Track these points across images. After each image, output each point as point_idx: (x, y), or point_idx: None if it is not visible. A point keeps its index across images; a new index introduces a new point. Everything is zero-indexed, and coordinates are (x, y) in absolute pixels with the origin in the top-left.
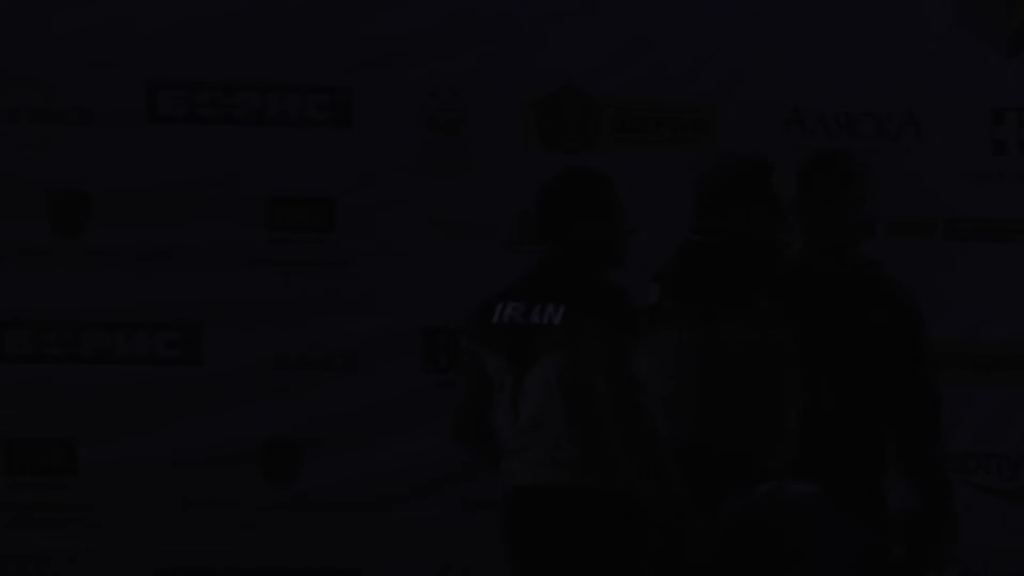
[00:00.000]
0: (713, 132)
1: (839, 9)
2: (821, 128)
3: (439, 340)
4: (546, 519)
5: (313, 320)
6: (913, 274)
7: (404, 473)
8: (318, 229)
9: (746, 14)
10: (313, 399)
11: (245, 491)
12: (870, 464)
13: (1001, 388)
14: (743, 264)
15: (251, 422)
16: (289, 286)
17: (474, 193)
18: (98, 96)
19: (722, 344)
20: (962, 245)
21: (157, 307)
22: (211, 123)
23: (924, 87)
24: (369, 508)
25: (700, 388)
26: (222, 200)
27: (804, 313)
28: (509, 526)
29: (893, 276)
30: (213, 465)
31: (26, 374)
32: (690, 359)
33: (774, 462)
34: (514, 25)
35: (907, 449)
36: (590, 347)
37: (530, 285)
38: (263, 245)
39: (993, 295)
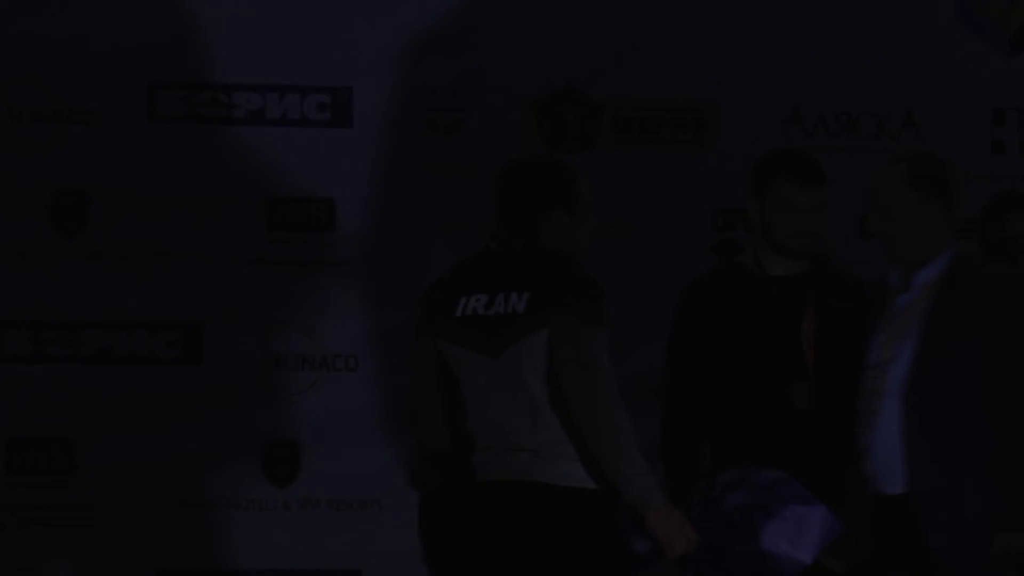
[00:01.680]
0: (713, 132)
1: (839, 9)
2: (821, 128)
3: None
4: (513, 514)
5: (313, 320)
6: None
7: (404, 473)
8: (318, 229)
9: (746, 14)
10: (313, 399)
11: (245, 491)
12: (845, 461)
13: None
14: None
15: (251, 422)
16: (289, 286)
17: (474, 193)
18: (98, 96)
19: None
20: (962, 245)
21: (157, 307)
22: (211, 123)
23: (924, 87)
24: (369, 508)
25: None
26: (222, 200)
27: (763, 315)
28: (473, 520)
29: (846, 270)
30: (213, 465)
31: (26, 374)
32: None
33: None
34: (514, 25)
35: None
36: (557, 336)
37: (489, 277)
38: (263, 245)
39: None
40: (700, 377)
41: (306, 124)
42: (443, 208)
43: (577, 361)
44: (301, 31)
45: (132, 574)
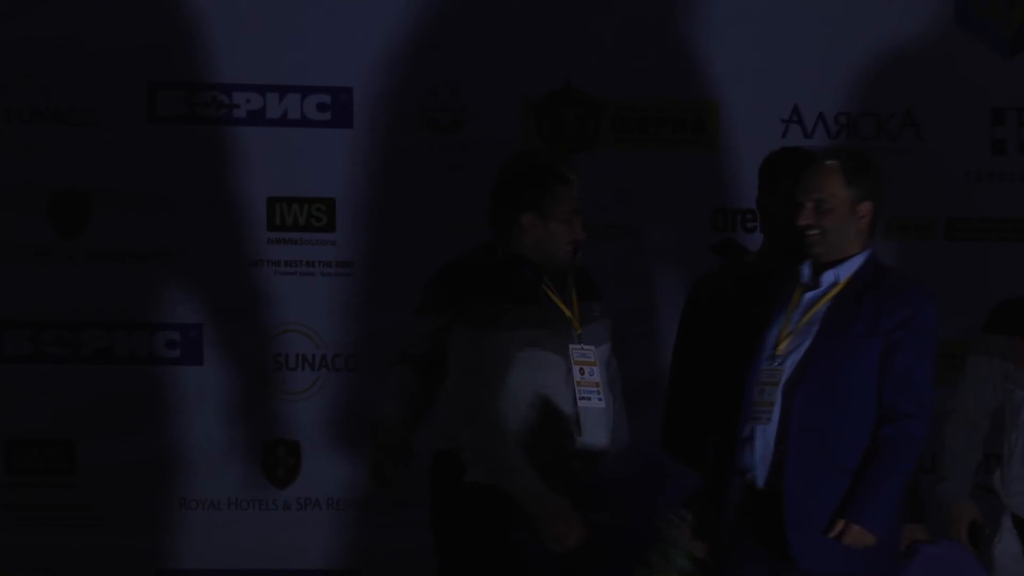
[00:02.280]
0: (713, 132)
1: (839, 9)
2: (821, 128)
3: None
4: (431, 514)
5: (313, 320)
6: (913, 274)
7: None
8: (318, 229)
9: (746, 14)
10: (313, 399)
11: (245, 491)
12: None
13: None
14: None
15: (251, 422)
16: (289, 286)
17: (474, 193)
18: (98, 96)
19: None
20: (962, 245)
21: (157, 307)
22: (211, 123)
23: (924, 87)
24: (369, 508)
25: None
26: (222, 200)
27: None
28: None
29: None
30: (213, 465)
31: (26, 374)
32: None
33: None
34: (514, 25)
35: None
36: (450, 344)
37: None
38: (263, 245)
39: (993, 295)
40: (704, 374)
41: (306, 124)
42: (443, 208)
43: (455, 369)
44: (301, 31)
45: (132, 574)
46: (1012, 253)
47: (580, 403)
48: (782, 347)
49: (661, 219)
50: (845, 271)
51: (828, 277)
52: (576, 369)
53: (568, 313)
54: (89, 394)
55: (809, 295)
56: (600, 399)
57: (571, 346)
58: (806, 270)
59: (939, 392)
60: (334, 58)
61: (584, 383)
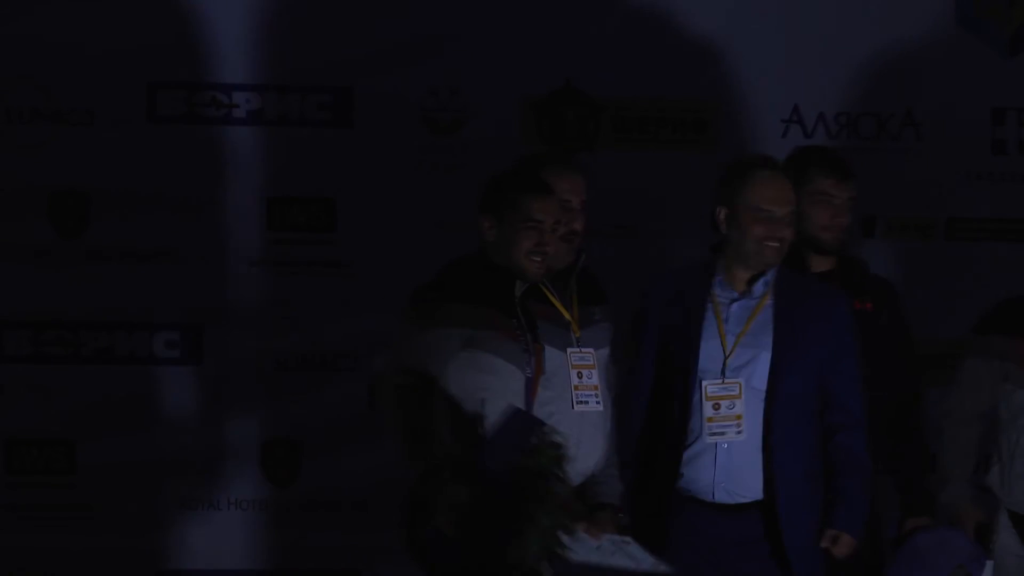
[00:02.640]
0: (713, 132)
1: (839, 9)
2: (821, 128)
3: None
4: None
5: (313, 320)
6: (913, 274)
7: (404, 473)
8: (318, 229)
9: (746, 14)
10: (313, 399)
11: (245, 491)
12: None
13: None
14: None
15: (251, 422)
16: (289, 286)
17: (474, 193)
18: (98, 97)
19: None
20: (962, 245)
21: (157, 307)
22: (211, 123)
23: (924, 87)
24: (369, 508)
25: None
26: (222, 200)
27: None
28: None
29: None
30: (213, 465)
31: (26, 374)
32: None
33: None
34: (514, 25)
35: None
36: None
37: None
38: (263, 245)
39: (993, 295)
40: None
41: (306, 124)
42: (443, 208)
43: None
44: (301, 31)
45: (132, 574)
46: (1012, 253)
47: (577, 407)
48: (729, 361)
49: (661, 219)
50: (768, 277)
51: (760, 287)
52: (574, 373)
53: (567, 316)
54: (89, 394)
55: (737, 305)
56: (598, 402)
57: (569, 349)
58: (720, 280)
59: (934, 393)
60: (334, 58)
61: (581, 387)
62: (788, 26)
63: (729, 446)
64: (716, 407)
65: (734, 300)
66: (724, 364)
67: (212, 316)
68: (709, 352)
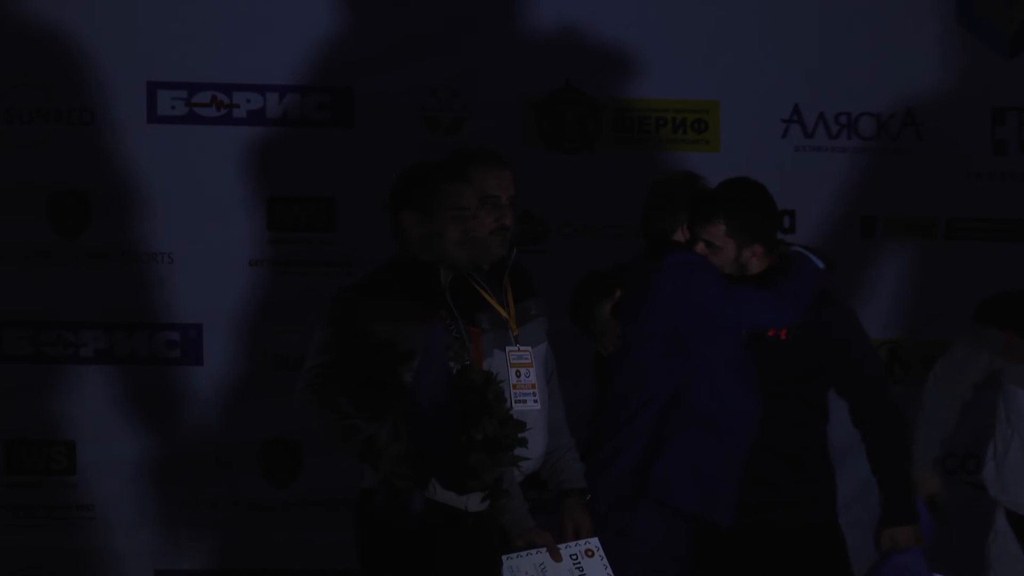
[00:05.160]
0: (713, 132)
1: (839, 9)
2: (821, 128)
3: None
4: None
5: (313, 320)
6: (913, 274)
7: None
8: (318, 229)
9: (746, 14)
10: None
11: (245, 491)
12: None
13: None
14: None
15: (251, 422)
16: (289, 286)
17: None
18: (98, 96)
19: None
20: (962, 245)
21: (157, 307)
22: (211, 123)
23: (924, 87)
24: None
25: None
26: (222, 200)
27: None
28: None
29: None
30: (213, 465)
31: (26, 374)
32: None
33: None
34: (514, 25)
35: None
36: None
37: None
38: (263, 245)
39: None
40: None
41: (306, 124)
42: None
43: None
44: (301, 31)
45: (132, 574)
46: (1012, 253)
47: (516, 406)
48: None
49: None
50: None
51: None
52: (512, 372)
53: (504, 314)
54: (89, 394)
55: None
56: (535, 401)
57: (508, 348)
58: None
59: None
60: (334, 58)
61: (520, 386)
62: (788, 26)
63: None
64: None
65: None
66: None
67: (212, 316)
68: None
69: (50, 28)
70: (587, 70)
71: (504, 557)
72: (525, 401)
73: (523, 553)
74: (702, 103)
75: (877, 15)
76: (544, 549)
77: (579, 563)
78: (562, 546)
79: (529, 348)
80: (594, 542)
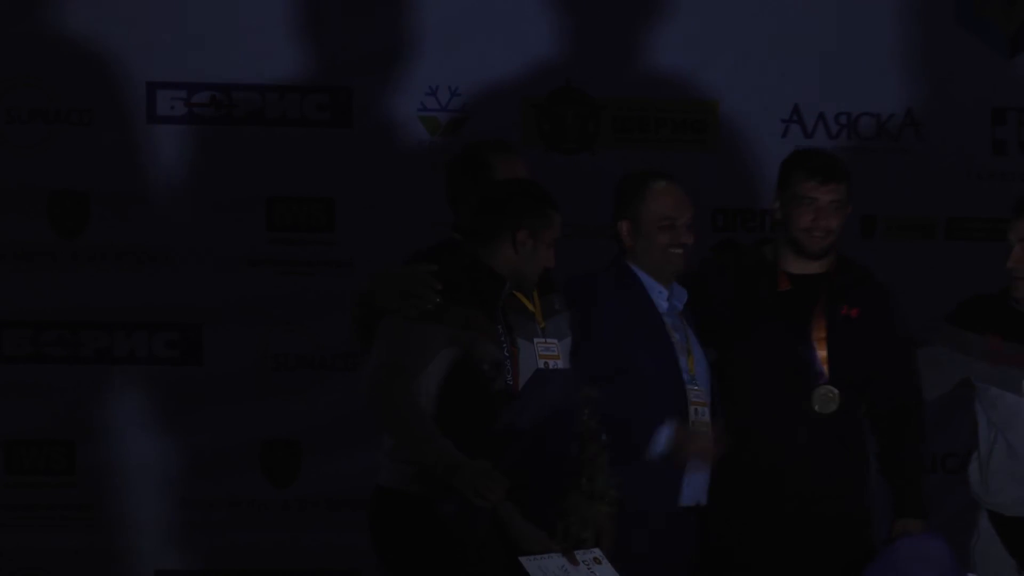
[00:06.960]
0: (713, 132)
1: (839, 9)
2: (821, 128)
3: None
4: (370, 523)
5: (313, 320)
6: (913, 274)
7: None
8: (318, 229)
9: (746, 14)
10: (313, 399)
11: (245, 491)
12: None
13: None
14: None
15: (251, 422)
16: (289, 286)
17: None
18: (98, 96)
19: None
20: (962, 245)
21: (157, 307)
22: (211, 123)
23: (924, 87)
24: None
25: None
26: (222, 200)
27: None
28: None
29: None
30: (213, 465)
31: (26, 374)
32: None
33: None
34: (514, 25)
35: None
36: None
37: None
38: (263, 245)
39: None
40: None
41: (306, 124)
42: (443, 208)
43: (374, 351)
44: (301, 31)
45: (132, 574)
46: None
47: None
48: (693, 369)
49: None
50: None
51: (682, 295)
52: (541, 363)
53: (531, 307)
54: (89, 394)
55: (669, 316)
56: None
57: (535, 340)
58: (662, 292)
59: None
60: (334, 58)
61: None
62: (788, 26)
63: None
64: (697, 412)
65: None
66: (690, 372)
67: (212, 316)
68: (679, 360)
69: (50, 28)
70: (587, 70)
71: (526, 558)
72: None
73: (543, 556)
74: (702, 103)
75: (877, 15)
76: (560, 553)
77: (592, 570)
78: (576, 552)
79: (556, 341)
80: (598, 552)
